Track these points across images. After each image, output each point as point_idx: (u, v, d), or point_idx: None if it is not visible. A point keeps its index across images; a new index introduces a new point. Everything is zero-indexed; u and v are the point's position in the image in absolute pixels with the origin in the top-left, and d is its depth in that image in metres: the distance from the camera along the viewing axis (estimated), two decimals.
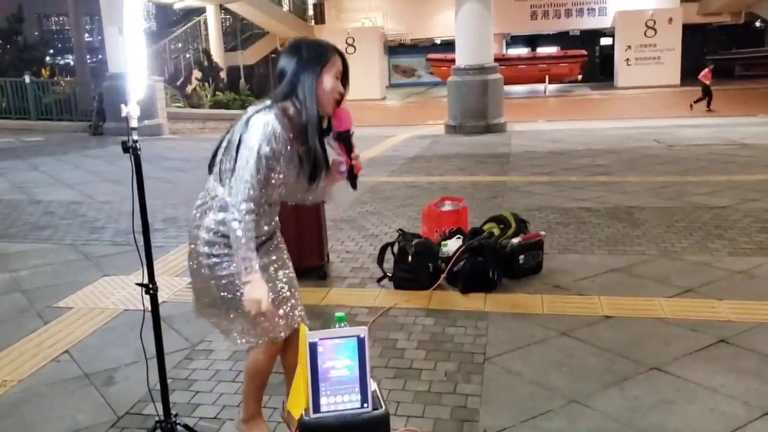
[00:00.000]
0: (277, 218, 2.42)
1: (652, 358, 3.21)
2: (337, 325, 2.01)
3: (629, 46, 25.72)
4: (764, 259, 4.64)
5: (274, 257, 2.42)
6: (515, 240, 4.49)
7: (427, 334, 3.64)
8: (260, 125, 2.16)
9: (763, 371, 3.06)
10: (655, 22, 25.35)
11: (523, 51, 31.67)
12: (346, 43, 26.17)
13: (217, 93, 20.28)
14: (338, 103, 2.26)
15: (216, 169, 2.29)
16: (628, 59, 25.89)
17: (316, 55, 2.23)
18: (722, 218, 5.74)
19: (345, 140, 2.29)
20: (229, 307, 2.33)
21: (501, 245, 4.48)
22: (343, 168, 2.32)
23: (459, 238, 4.60)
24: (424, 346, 3.48)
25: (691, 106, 17.40)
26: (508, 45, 32.72)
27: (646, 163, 8.72)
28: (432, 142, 11.96)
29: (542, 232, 4.74)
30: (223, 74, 24.08)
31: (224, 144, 2.28)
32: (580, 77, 27.59)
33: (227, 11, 28.31)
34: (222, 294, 2.32)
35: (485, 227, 4.84)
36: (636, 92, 24.11)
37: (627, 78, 25.65)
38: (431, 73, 29.27)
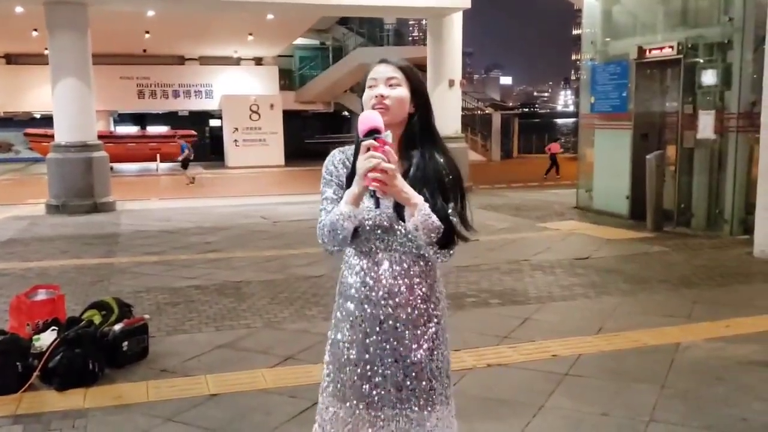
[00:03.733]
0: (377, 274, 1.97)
1: (254, 431, 3.32)
2: None
3: (236, 128, 27.14)
4: None
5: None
6: (117, 326, 4.29)
7: None
8: None
9: None
10: (258, 107, 27.28)
11: (132, 129, 31.01)
12: None
13: None
14: (384, 107, 1.89)
15: None
16: (236, 140, 27.24)
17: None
18: (318, 286, 6.34)
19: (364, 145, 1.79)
20: None
21: (102, 333, 4.23)
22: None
23: (54, 330, 4.21)
24: None
25: (545, 177, 18.48)
26: (116, 122, 31.74)
27: (253, 239, 9.20)
28: (31, 224, 10.81)
29: (147, 316, 4.63)
30: None
31: None
32: (192, 156, 28.03)
33: None
34: None
35: (85, 315, 4.54)
36: (245, 172, 25.44)
37: (236, 158, 26.90)
38: (30, 149, 26.63)
